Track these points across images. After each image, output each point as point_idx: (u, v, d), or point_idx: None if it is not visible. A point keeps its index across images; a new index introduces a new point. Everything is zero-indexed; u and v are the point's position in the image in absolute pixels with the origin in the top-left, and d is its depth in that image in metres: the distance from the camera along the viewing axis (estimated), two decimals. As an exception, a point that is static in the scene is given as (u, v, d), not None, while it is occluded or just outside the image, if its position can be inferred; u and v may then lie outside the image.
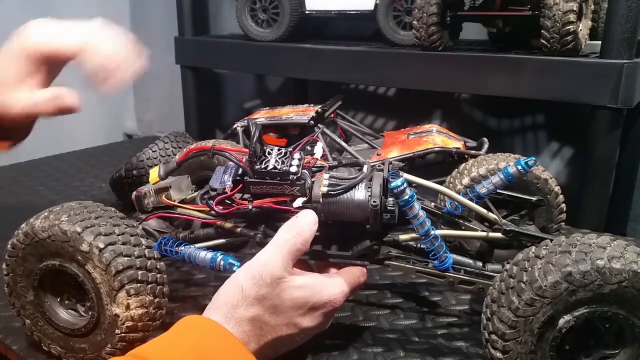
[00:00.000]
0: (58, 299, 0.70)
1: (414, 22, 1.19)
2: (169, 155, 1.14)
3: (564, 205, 0.92)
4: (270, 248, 0.66)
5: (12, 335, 0.76)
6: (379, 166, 0.74)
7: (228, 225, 0.75)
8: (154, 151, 1.14)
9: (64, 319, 0.69)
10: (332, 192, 0.69)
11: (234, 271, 0.67)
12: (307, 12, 1.43)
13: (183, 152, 0.84)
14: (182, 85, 1.72)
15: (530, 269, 0.57)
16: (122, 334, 0.65)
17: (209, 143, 0.98)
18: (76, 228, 0.64)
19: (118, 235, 0.65)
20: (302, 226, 0.67)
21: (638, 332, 0.56)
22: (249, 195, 0.73)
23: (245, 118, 1.19)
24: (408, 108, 1.53)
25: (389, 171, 0.70)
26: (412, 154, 1.05)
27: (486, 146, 1.06)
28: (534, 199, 0.87)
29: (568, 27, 1.04)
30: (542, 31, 1.07)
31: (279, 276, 0.64)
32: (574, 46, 1.06)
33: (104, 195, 1.30)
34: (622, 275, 0.53)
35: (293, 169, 0.71)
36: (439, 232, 0.69)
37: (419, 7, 1.17)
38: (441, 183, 0.86)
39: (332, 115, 1.15)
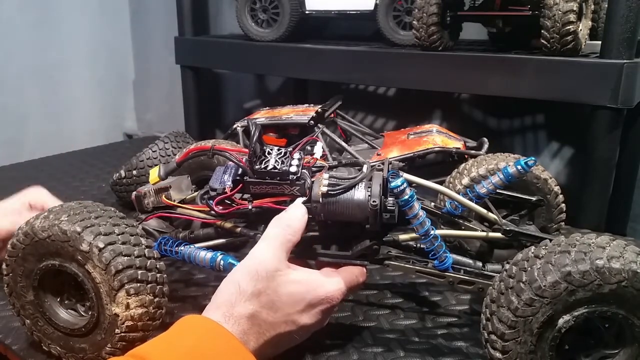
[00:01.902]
0: (58, 299, 0.70)
1: (414, 22, 1.19)
2: (169, 155, 1.14)
3: (563, 205, 0.92)
4: (261, 243, 0.67)
5: (12, 335, 0.76)
6: (378, 166, 0.74)
7: (228, 225, 0.75)
8: (154, 151, 1.14)
9: (64, 319, 0.69)
10: (332, 192, 0.69)
11: None
12: (307, 12, 1.43)
13: (183, 152, 0.84)
14: (182, 85, 1.72)
15: (529, 269, 0.57)
16: (122, 334, 0.65)
17: (208, 143, 0.97)
18: (76, 228, 0.64)
19: (118, 234, 0.65)
20: (290, 218, 0.68)
21: (637, 332, 0.56)
22: (249, 195, 0.73)
23: (245, 118, 1.19)
24: (408, 108, 1.53)
25: (388, 171, 0.70)
26: (412, 154, 1.05)
27: (486, 146, 1.06)
28: (533, 199, 0.87)
29: (568, 27, 1.04)
30: (542, 31, 1.07)
31: (274, 269, 0.64)
32: (574, 46, 1.06)
33: (104, 195, 1.30)
34: (621, 275, 0.53)
35: (293, 169, 0.71)
36: (438, 232, 0.69)
37: (419, 7, 1.17)
38: (441, 183, 0.86)
39: (332, 115, 1.15)
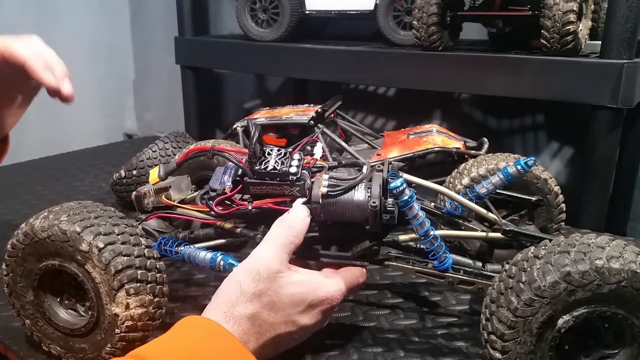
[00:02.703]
0: (58, 299, 0.70)
1: (414, 22, 1.19)
2: (169, 155, 1.14)
3: (563, 205, 0.92)
4: (264, 244, 0.67)
5: (12, 336, 0.76)
6: (378, 166, 0.74)
7: (228, 225, 0.75)
8: (154, 151, 1.14)
9: (64, 319, 0.69)
10: (332, 193, 0.69)
11: None
12: (307, 12, 1.43)
13: (183, 153, 0.84)
14: (182, 85, 1.72)
15: (529, 269, 0.57)
16: (122, 334, 0.65)
17: (208, 143, 0.98)
18: (75, 228, 0.64)
19: (117, 234, 0.65)
20: (293, 220, 0.68)
21: (637, 332, 0.56)
22: (249, 196, 0.73)
23: (245, 118, 1.19)
24: (408, 108, 1.53)
25: (388, 172, 0.70)
26: (412, 154, 1.05)
27: (486, 146, 1.06)
28: (533, 198, 0.87)
29: (568, 27, 1.04)
30: (542, 31, 1.07)
31: (275, 270, 0.64)
32: (574, 46, 1.06)
33: (104, 195, 1.30)
34: (620, 275, 0.53)
35: (293, 170, 0.71)
36: (438, 232, 0.69)
37: (419, 7, 1.17)
38: (441, 183, 0.86)
39: (332, 115, 1.15)
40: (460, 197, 0.74)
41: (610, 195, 1.14)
